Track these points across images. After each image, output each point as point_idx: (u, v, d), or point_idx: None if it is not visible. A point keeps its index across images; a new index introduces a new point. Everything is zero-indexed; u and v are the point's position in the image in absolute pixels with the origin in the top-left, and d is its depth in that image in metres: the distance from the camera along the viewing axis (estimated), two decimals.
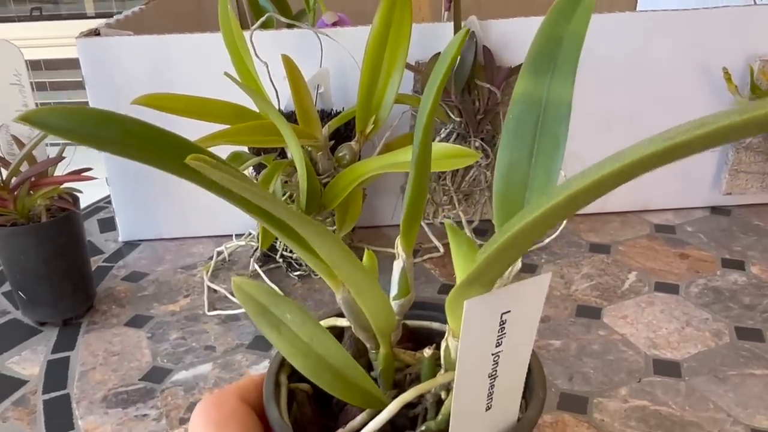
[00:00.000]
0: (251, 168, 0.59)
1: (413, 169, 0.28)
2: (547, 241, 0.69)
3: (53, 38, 1.70)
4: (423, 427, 0.28)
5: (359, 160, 0.60)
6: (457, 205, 0.69)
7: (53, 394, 0.52)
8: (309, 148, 0.58)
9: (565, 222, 0.69)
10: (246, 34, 0.59)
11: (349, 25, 0.78)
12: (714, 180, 0.74)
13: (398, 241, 0.32)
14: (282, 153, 0.59)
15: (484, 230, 0.72)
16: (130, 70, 0.66)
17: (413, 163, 0.28)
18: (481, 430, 0.26)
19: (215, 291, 0.64)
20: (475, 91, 0.65)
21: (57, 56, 1.70)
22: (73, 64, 1.78)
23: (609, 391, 0.49)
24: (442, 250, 0.68)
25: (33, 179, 0.55)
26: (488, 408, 0.26)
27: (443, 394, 0.29)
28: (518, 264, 0.28)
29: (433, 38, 0.65)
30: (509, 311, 0.23)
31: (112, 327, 0.60)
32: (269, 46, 0.62)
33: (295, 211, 0.23)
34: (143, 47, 0.65)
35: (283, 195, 0.58)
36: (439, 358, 0.29)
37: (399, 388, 0.31)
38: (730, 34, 0.67)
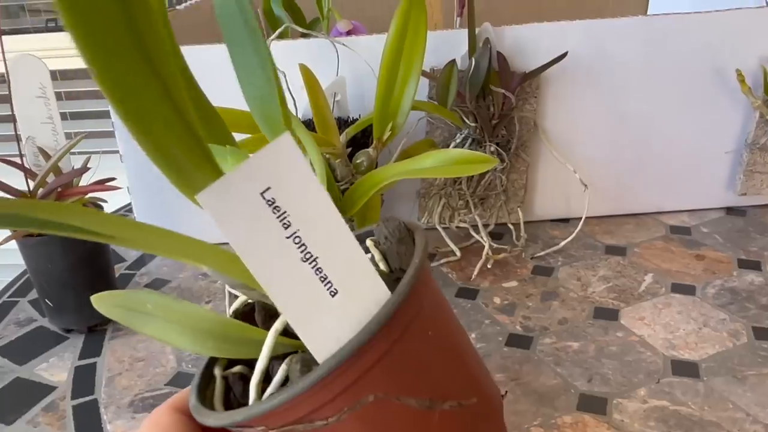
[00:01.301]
0: None
1: None
2: (563, 243, 0.69)
3: (68, 48, 1.72)
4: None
5: (376, 166, 0.61)
6: (473, 209, 0.70)
7: (81, 400, 0.53)
8: (327, 156, 0.59)
9: (581, 224, 0.69)
10: None
11: (363, 33, 0.79)
12: (729, 181, 0.74)
13: None
14: None
15: (500, 234, 0.73)
16: None
17: None
18: (341, 316, 0.23)
19: (236, 297, 0.64)
20: (490, 97, 0.65)
21: (72, 66, 1.73)
22: (88, 74, 1.81)
23: (628, 391, 0.50)
24: (458, 254, 0.69)
25: (59, 190, 0.56)
26: (334, 293, 0.23)
27: None
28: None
29: (448, 45, 0.66)
30: (269, 188, 0.21)
31: (137, 333, 0.61)
32: (286, 55, 0.64)
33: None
34: None
35: None
36: None
37: None
38: (743, 36, 0.67)
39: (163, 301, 0.29)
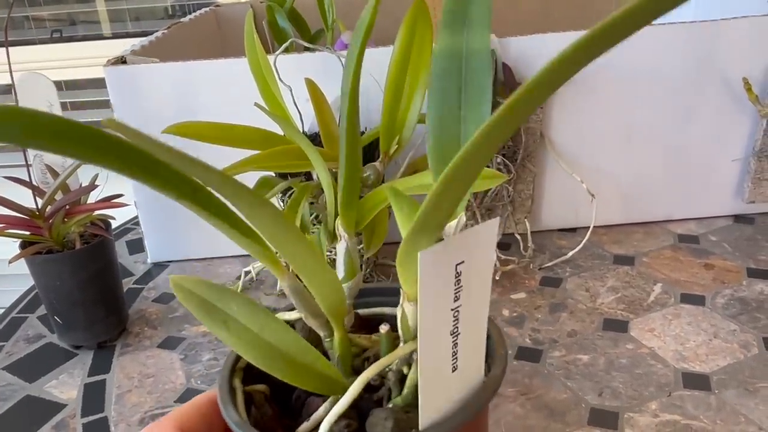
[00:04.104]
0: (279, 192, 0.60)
1: (343, 145, 0.27)
2: (570, 254, 0.69)
3: (73, 59, 1.73)
4: (390, 404, 0.27)
5: (384, 180, 0.61)
6: (480, 220, 0.70)
7: (91, 418, 0.53)
8: (334, 170, 0.59)
9: (588, 234, 0.69)
10: (270, 58, 0.61)
11: (368, 45, 0.79)
12: (736, 188, 0.74)
13: (338, 223, 0.30)
14: (308, 175, 0.60)
15: (507, 244, 0.73)
16: (156, 96, 0.67)
17: (342, 138, 0.27)
18: (449, 392, 0.25)
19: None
20: (496, 108, 0.65)
21: (77, 77, 1.73)
22: (93, 84, 1.80)
23: (639, 405, 0.49)
24: None
25: (67, 207, 0.56)
26: (454, 369, 0.25)
27: (405, 369, 0.28)
28: (463, 218, 0.27)
29: None
30: (463, 262, 0.23)
31: (146, 349, 0.61)
32: (292, 69, 0.64)
33: (229, 177, 0.21)
34: (169, 74, 0.67)
35: (311, 216, 0.59)
36: (397, 335, 0.28)
37: (358, 374, 0.29)
38: (749, 44, 0.67)
39: (250, 307, 0.27)
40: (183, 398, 0.54)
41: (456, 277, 0.23)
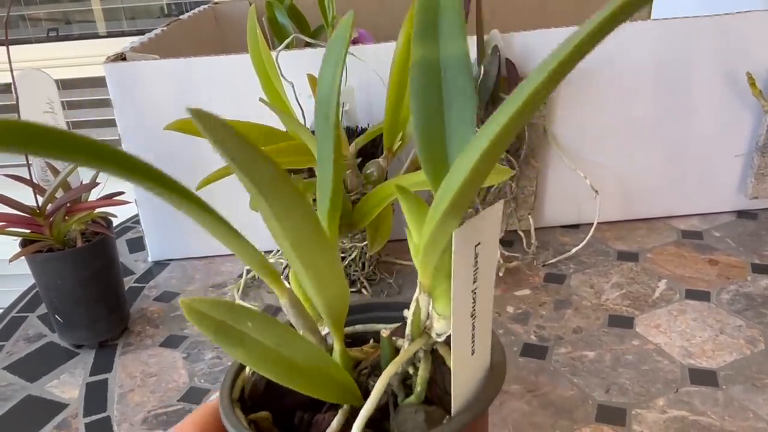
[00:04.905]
0: None
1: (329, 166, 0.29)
2: (574, 250, 0.69)
3: (70, 58, 1.72)
4: (405, 402, 0.28)
5: (387, 176, 0.61)
6: None
7: (94, 417, 0.53)
8: None
9: (592, 231, 0.69)
10: (272, 54, 0.60)
11: (369, 41, 0.78)
12: (740, 184, 0.74)
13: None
14: (311, 172, 0.60)
15: (510, 241, 0.72)
16: (156, 93, 0.67)
17: (326, 159, 0.29)
18: (471, 376, 0.26)
19: None
20: (500, 104, 0.65)
21: (74, 76, 1.72)
22: (90, 83, 1.79)
23: (647, 401, 0.49)
24: None
25: (68, 205, 0.56)
26: (473, 352, 0.26)
27: (410, 369, 0.28)
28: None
29: None
30: (480, 243, 0.24)
31: (148, 348, 0.60)
32: (294, 65, 0.63)
33: (281, 171, 0.20)
34: (169, 70, 0.66)
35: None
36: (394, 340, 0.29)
37: (357, 386, 0.29)
38: (753, 39, 0.67)
39: (265, 323, 0.27)
40: (186, 397, 0.54)
41: (475, 258, 0.24)
